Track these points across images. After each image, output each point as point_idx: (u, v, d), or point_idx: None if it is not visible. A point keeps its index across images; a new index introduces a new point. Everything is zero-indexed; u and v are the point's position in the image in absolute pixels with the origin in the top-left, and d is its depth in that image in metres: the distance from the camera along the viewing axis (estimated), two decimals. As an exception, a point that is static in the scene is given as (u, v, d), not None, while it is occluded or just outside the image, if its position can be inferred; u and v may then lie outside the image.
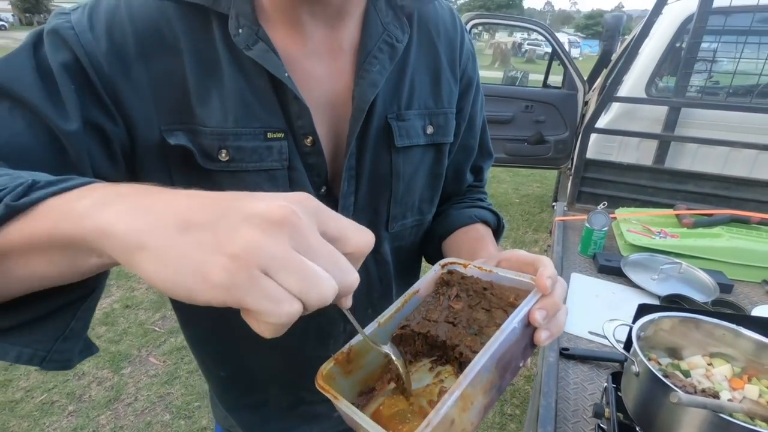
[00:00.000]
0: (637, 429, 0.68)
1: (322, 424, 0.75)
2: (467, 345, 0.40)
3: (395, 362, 0.39)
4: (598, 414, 0.74)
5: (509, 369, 0.39)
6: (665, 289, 1.14)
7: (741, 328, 0.71)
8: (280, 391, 0.72)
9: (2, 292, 0.32)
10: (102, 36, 0.46)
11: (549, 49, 3.83)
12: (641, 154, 2.60)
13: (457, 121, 0.65)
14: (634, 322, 0.73)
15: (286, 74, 0.49)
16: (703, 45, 1.97)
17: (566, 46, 3.93)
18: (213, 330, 0.68)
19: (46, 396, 2.05)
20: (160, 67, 0.48)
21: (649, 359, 0.72)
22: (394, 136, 0.57)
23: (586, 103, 3.62)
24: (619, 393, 0.74)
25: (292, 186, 0.54)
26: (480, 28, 4.40)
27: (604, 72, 3.66)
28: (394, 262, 0.67)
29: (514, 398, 2.15)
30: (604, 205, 1.44)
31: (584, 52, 30.26)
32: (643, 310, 0.76)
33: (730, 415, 0.57)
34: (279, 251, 0.26)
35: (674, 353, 0.75)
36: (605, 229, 1.33)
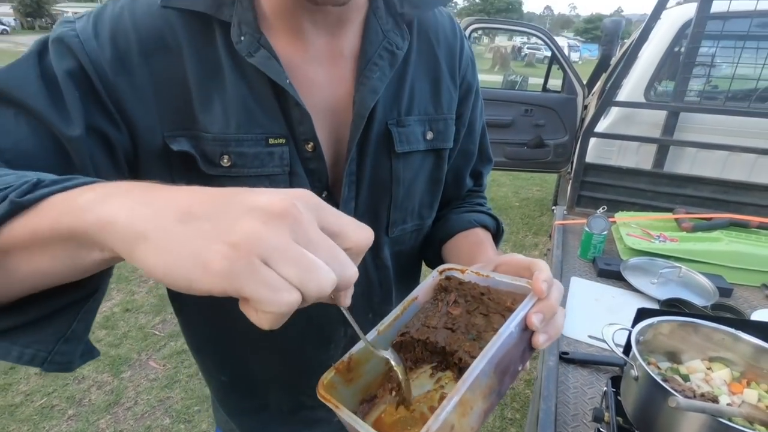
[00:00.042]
0: (637, 433, 0.68)
1: (323, 428, 0.75)
2: (466, 350, 0.40)
3: (395, 368, 0.39)
4: (597, 418, 0.74)
5: (508, 373, 0.39)
6: (665, 293, 1.14)
7: (740, 332, 0.71)
8: (281, 395, 0.72)
9: (6, 290, 0.33)
10: (106, 44, 0.46)
11: (548, 53, 3.84)
12: (640, 158, 2.61)
13: (456, 127, 0.66)
14: (633, 326, 0.73)
15: (288, 81, 0.50)
16: (702, 49, 1.98)
17: (566, 50, 3.95)
18: (214, 334, 0.68)
19: (45, 400, 2.04)
20: (164, 74, 0.48)
21: (649, 363, 0.72)
22: (394, 142, 0.58)
23: (585, 107, 3.63)
24: (618, 397, 0.74)
25: None
26: (480, 32, 4.42)
27: (604, 76, 3.68)
28: (394, 266, 0.67)
29: (514, 402, 2.15)
30: (603, 209, 1.45)
31: (584, 56, 30.34)
32: (642, 314, 0.76)
33: (729, 420, 0.57)
34: (279, 242, 0.26)
35: (674, 357, 0.76)
36: (605, 233, 1.34)
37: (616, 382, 0.77)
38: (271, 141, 0.52)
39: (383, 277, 0.67)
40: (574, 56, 27.45)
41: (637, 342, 0.70)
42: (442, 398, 0.41)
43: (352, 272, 0.29)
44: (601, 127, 2.60)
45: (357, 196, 0.59)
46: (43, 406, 2.01)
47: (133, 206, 0.28)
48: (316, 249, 0.27)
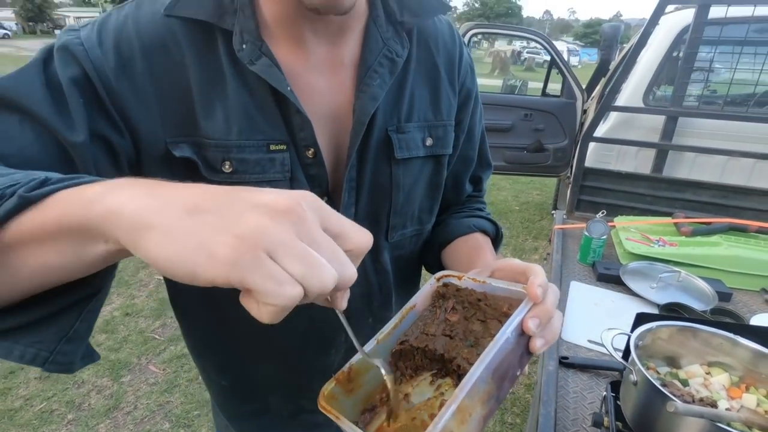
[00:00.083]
0: (636, 438, 0.68)
1: (323, 432, 0.75)
2: (464, 357, 0.40)
3: (384, 377, 0.39)
4: (597, 423, 0.74)
5: (506, 378, 0.39)
6: (664, 298, 1.14)
7: (738, 337, 0.71)
8: (282, 400, 0.73)
9: (12, 288, 0.33)
10: (110, 51, 0.47)
11: (548, 58, 3.86)
12: (639, 162, 2.61)
13: (456, 133, 0.67)
14: (632, 331, 0.73)
15: (289, 88, 0.50)
16: (700, 54, 1.99)
17: (565, 55, 3.97)
18: (215, 338, 0.68)
19: (45, 404, 2.04)
20: (166, 81, 0.49)
21: (648, 368, 0.72)
22: (394, 148, 0.58)
23: (584, 112, 3.65)
24: (618, 402, 0.74)
25: None
26: (479, 36, 4.44)
27: (603, 81, 3.69)
28: (393, 271, 0.68)
29: (514, 407, 2.15)
30: (602, 213, 1.45)
31: (583, 60, 30.46)
32: (641, 319, 0.77)
33: (728, 425, 0.57)
34: (285, 237, 0.27)
35: (673, 362, 0.76)
36: (604, 237, 1.34)
37: (615, 386, 0.77)
38: (272, 147, 0.53)
39: (383, 282, 0.67)
40: (574, 60, 27.55)
41: (636, 347, 0.70)
42: (442, 405, 0.41)
43: (352, 273, 0.30)
44: (600, 131, 2.61)
45: (357, 201, 0.59)
46: (42, 411, 2.01)
47: (140, 198, 0.29)
48: (319, 247, 0.28)
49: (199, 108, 0.50)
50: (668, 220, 1.49)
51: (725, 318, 1.09)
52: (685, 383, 0.70)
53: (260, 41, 0.50)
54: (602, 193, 1.80)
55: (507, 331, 0.38)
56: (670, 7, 1.66)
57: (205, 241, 0.26)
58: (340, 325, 0.36)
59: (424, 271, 0.77)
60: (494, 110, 3.58)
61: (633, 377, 0.66)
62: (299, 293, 0.27)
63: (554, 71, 3.90)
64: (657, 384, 0.62)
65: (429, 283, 0.50)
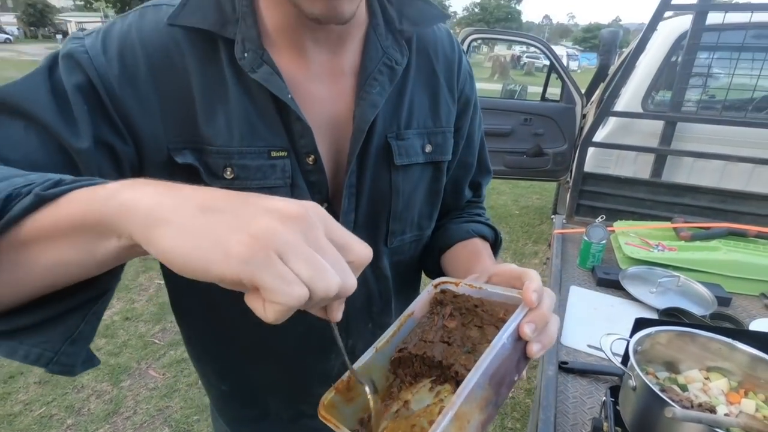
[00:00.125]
0: (636, 443, 0.68)
1: (323, 437, 0.76)
2: (462, 363, 0.40)
3: (368, 396, 0.40)
4: (596, 428, 0.74)
5: (504, 384, 0.39)
6: (664, 302, 1.15)
7: (736, 342, 0.71)
8: (282, 404, 0.73)
9: (23, 286, 0.34)
10: (114, 59, 0.48)
11: (548, 62, 3.88)
12: (638, 167, 2.62)
13: (455, 140, 0.67)
14: (631, 336, 0.74)
15: (290, 96, 0.51)
16: (699, 60, 2.00)
17: (564, 59, 3.99)
18: (216, 342, 0.69)
19: (44, 409, 2.04)
20: (169, 89, 0.50)
21: (647, 373, 0.72)
22: (393, 155, 0.59)
23: (584, 116, 3.66)
24: (617, 407, 0.74)
25: None
26: (479, 41, 4.46)
27: (602, 86, 3.71)
28: (393, 276, 0.68)
29: (514, 412, 2.14)
30: (602, 218, 1.46)
31: (582, 64, 30.54)
32: (640, 324, 0.77)
33: (727, 430, 0.57)
34: (294, 240, 0.28)
35: (672, 367, 0.76)
36: (603, 242, 1.34)
37: (614, 391, 0.78)
38: (273, 154, 0.53)
39: (382, 287, 0.67)
40: (573, 65, 27.63)
41: (635, 352, 0.70)
42: (441, 412, 0.41)
43: (353, 282, 0.31)
44: (599, 136, 2.62)
45: (357, 207, 0.60)
46: (42, 416, 2.00)
47: (155, 195, 0.30)
48: (324, 254, 0.30)
49: (201, 115, 0.51)
50: (667, 224, 1.49)
51: (725, 323, 1.10)
52: (684, 388, 0.71)
53: (262, 50, 0.50)
54: (601, 198, 1.81)
55: (503, 337, 0.38)
56: (668, 13, 1.67)
57: (220, 238, 0.27)
58: (340, 330, 0.36)
59: (423, 276, 0.78)
60: (494, 115, 3.59)
61: (632, 382, 0.67)
62: (305, 294, 0.28)
63: (553, 76, 3.91)
64: (656, 389, 0.62)
65: (426, 290, 0.50)
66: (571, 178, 1.91)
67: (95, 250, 0.32)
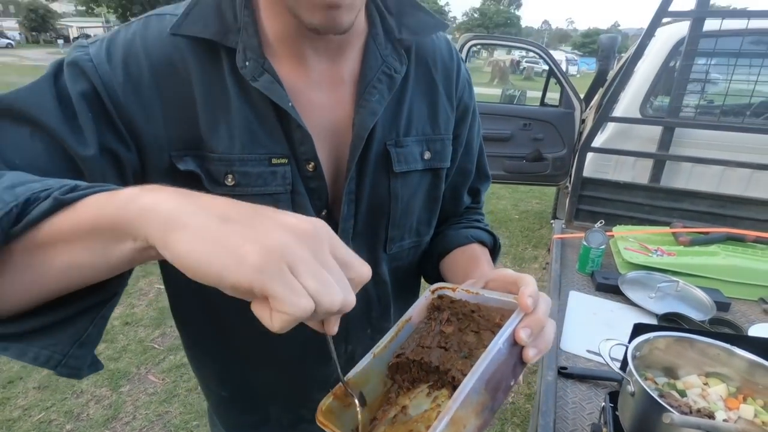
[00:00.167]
0: (635, 449, 0.68)
1: (322, 442, 0.76)
2: (458, 369, 0.41)
3: (357, 410, 0.40)
4: (596, 434, 0.75)
5: (500, 389, 0.39)
6: (663, 307, 1.15)
7: (734, 347, 0.71)
8: (281, 410, 0.73)
9: (38, 288, 0.35)
10: (119, 67, 0.48)
11: (547, 67, 3.90)
12: (637, 172, 2.63)
13: (453, 147, 0.68)
14: (629, 341, 0.74)
15: (290, 104, 0.52)
16: (696, 66, 2.02)
17: (564, 64, 4.01)
18: (216, 348, 0.69)
19: (43, 414, 2.03)
20: (172, 96, 0.50)
21: (646, 379, 0.73)
22: (392, 162, 0.60)
23: (583, 121, 3.67)
24: (616, 412, 0.74)
25: (294, 209, 0.56)
26: (478, 47, 4.48)
27: (601, 91, 3.73)
28: (392, 282, 0.69)
29: (515, 417, 2.14)
30: (601, 223, 1.46)
31: (582, 69, 30.67)
32: (638, 329, 0.77)
33: (725, 436, 0.57)
34: (304, 255, 0.30)
35: (671, 372, 0.76)
36: (602, 247, 1.35)
37: (614, 397, 0.78)
38: (274, 161, 0.54)
39: (382, 293, 0.68)
40: (573, 70, 27.73)
41: (634, 357, 0.71)
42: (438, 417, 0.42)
43: (353, 299, 0.32)
44: (598, 141, 2.63)
45: (356, 213, 0.60)
46: (41, 421, 2.00)
47: (174, 200, 0.31)
48: (330, 271, 0.31)
49: (203, 123, 0.51)
50: (666, 229, 1.50)
51: (724, 328, 1.10)
52: (682, 394, 0.71)
53: (263, 58, 0.51)
54: (600, 203, 1.81)
55: (499, 342, 0.38)
56: (666, 19, 1.69)
57: (236, 247, 0.29)
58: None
59: (423, 282, 0.78)
60: (494, 120, 3.61)
61: (630, 388, 0.67)
62: (312, 307, 0.29)
63: (552, 81, 3.93)
64: (654, 395, 0.62)
65: (424, 296, 0.50)
66: (570, 182, 1.92)
67: (110, 253, 0.33)
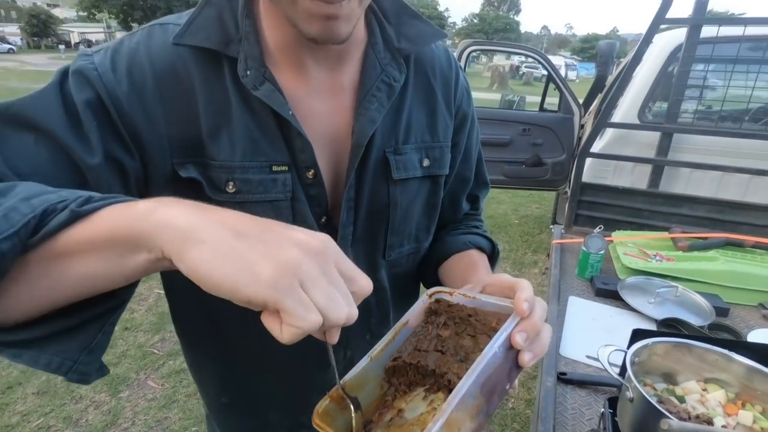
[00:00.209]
0: (634, 455, 0.68)
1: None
2: (454, 372, 0.41)
3: (353, 414, 0.41)
4: (595, 440, 0.75)
5: (495, 392, 0.40)
6: (662, 313, 1.15)
7: (732, 353, 0.72)
8: (281, 415, 0.73)
9: (53, 296, 0.35)
10: (123, 76, 0.49)
11: (546, 72, 3.92)
12: (636, 177, 2.63)
13: (452, 154, 0.68)
14: (628, 347, 0.74)
15: (290, 112, 0.52)
16: (694, 72, 2.03)
17: (563, 69, 4.03)
18: (216, 354, 0.69)
19: (42, 420, 2.02)
20: (175, 105, 0.51)
21: (645, 384, 0.73)
22: (391, 169, 0.60)
23: (582, 127, 3.69)
24: (615, 418, 0.74)
25: (294, 216, 0.56)
26: (478, 52, 4.51)
27: (599, 96, 3.74)
28: (391, 288, 0.69)
29: (514, 423, 2.13)
30: (600, 228, 1.47)
31: (581, 74, 30.78)
32: (637, 335, 0.77)
33: (723, 442, 0.57)
34: (315, 272, 0.32)
35: (669, 378, 0.76)
36: (602, 252, 1.35)
37: (613, 403, 0.78)
38: (275, 168, 0.55)
39: (380, 299, 0.68)
40: (572, 75, 27.82)
41: (632, 363, 0.71)
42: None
43: (355, 313, 0.34)
44: (597, 147, 2.64)
45: (355, 220, 0.61)
46: (39, 427, 1.99)
47: (191, 215, 0.32)
48: (336, 286, 0.33)
49: (205, 131, 0.52)
50: (665, 235, 1.50)
51: (723, 333, 1.10)
52: (681, 400, 0.71)
53: (264, 68, 0.52)
54: (600, 208, 1.82)
55: (494, 346, 0.39)
56: (663, 25, 1.70)
57: (252, 263, 0.30)
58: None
59: (422, 287, 0.78)
60: (493, 125, 3.62)
61: (629, 394, 0.67)
62: (320, 322, 0.31)
63: (551, 86, 3.95)
64: (653, 401, 0.62)
65: (422, 300, 0.51)
66: (569, 188, 1.92)
67: (125, 263, 0.34)
